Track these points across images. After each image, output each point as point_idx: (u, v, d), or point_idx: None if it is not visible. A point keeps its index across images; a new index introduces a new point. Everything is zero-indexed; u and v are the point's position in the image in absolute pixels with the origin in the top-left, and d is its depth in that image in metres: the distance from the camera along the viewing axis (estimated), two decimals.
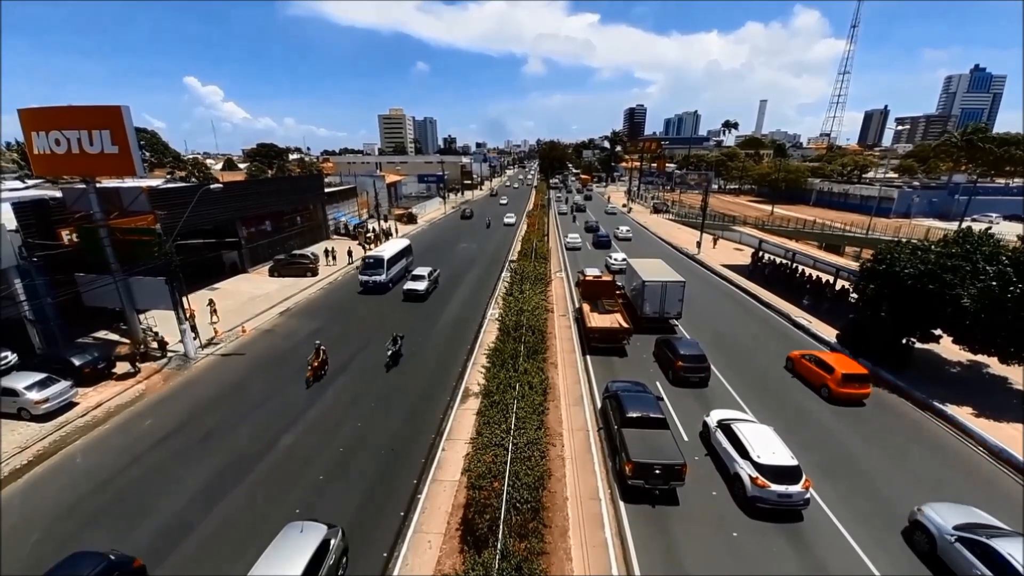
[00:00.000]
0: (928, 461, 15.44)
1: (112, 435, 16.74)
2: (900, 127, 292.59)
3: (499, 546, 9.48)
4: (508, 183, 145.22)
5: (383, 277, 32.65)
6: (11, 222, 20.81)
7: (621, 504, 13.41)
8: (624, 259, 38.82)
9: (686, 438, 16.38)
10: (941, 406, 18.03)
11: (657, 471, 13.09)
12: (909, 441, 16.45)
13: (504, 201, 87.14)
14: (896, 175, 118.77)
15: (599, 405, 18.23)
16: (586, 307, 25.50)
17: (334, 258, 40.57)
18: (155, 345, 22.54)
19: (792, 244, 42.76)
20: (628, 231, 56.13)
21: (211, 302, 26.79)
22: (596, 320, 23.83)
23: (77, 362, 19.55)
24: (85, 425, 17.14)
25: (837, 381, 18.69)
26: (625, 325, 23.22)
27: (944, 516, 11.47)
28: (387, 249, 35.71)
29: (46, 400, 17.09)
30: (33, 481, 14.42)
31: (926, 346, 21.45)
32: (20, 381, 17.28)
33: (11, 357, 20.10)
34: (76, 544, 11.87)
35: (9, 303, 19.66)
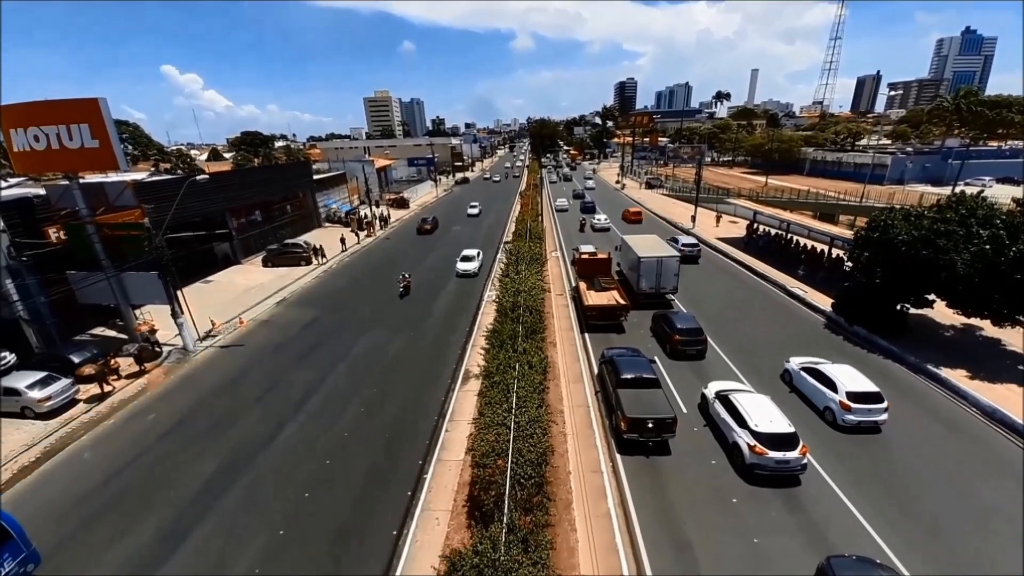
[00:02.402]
0: (918, 419, 15.82)
1: (117, 430, 16.85)
2: (893, 92, 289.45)
3: (505, 520, 9.69)
4: (488, 175, 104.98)
5: None
6: None
7: (618, 457, 14.35)
8: (606, 219, 48.29)
9: (685, 410, 16.66)
10: (935, 370, 18.35)
11: (650, 425, 14.18)
12: (901, 402, 16.80)
13: (474, 209, 56.47)
14: (889, 141, 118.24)
15: (596, 371, 18.96)
16: (583, 285, 25.35)
17: (324, 255, 37.43)
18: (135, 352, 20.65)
19: (786, 215, 42.75)
20: (593, 183, 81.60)
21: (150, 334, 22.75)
22: (593, 298, 23.77)
23: (76, 359, 19.52)
24: (90, 421, 17.21)
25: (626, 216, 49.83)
26: (622, 302, 23.24)
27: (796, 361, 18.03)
28: None
29: (48, 398, 17.13)
30: (43, 477, 14.56)
31: (920, 311, 21.70)
32: (21, 380, 17.29)
33: (10, 357, 20.01)
34: (91, 532, 12.10)
35: (2, 303, 19.49)
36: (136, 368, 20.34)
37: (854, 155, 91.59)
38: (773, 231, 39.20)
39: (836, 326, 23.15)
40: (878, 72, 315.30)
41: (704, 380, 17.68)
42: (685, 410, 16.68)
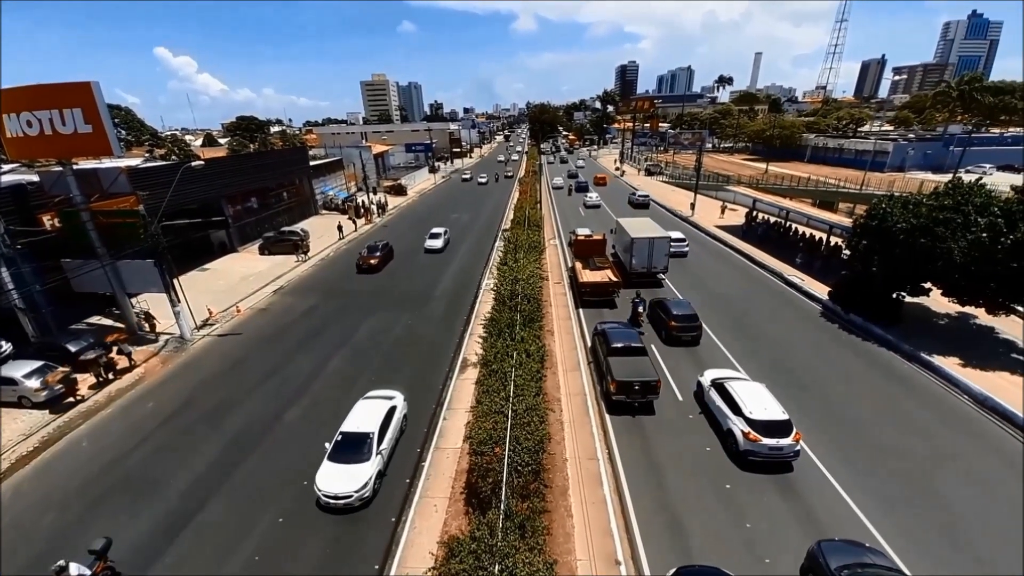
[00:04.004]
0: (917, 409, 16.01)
1: (115, 419, 16.93)
2: (897, 77, 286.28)
3: (502, 507, 9.84)
4: (468, 175, 78.15)
5: None
6: None
7: (607, 417, 15.88)
8: (597, 197, 53.66)
9: (681, 398, 16.82)
10: (928, 357, 18.49)
11: (636, 387, 15.66)
12: (895, 389, 16.98)
13: (437, 240, 36.64)
14: (892, 127, 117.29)
15: (589, 344, 20.26)
16: (578, 265, 26.96)
17: (305, 252, 35.27)
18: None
19: (786, 202, 42.57)
20: (582, 163, 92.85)
21: (148, 316, 22.96)
22: (587, 276, 25.43)
23: (72, 348, 19.50)
24: (87, 410, 17.28)
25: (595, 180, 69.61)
26: (614, 279, 24.89)
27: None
28: None
29: (45, 387, 17.14)
30: (42, 466, 14.67)
31: (916, 299, 21.77)
32: (18, 370, 17.28)
33: (6, 347, 20.03)
34: (90, 521, 12.22)
35: None
36: (104, 377, 18.67)
37: (855, 142, 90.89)
38: (772, 219, 39.09)
39: (832, 314, 23.24)
40: (883, 56, 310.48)
41: (700, 367, 17.82)
42: (681, 398, 16.84)
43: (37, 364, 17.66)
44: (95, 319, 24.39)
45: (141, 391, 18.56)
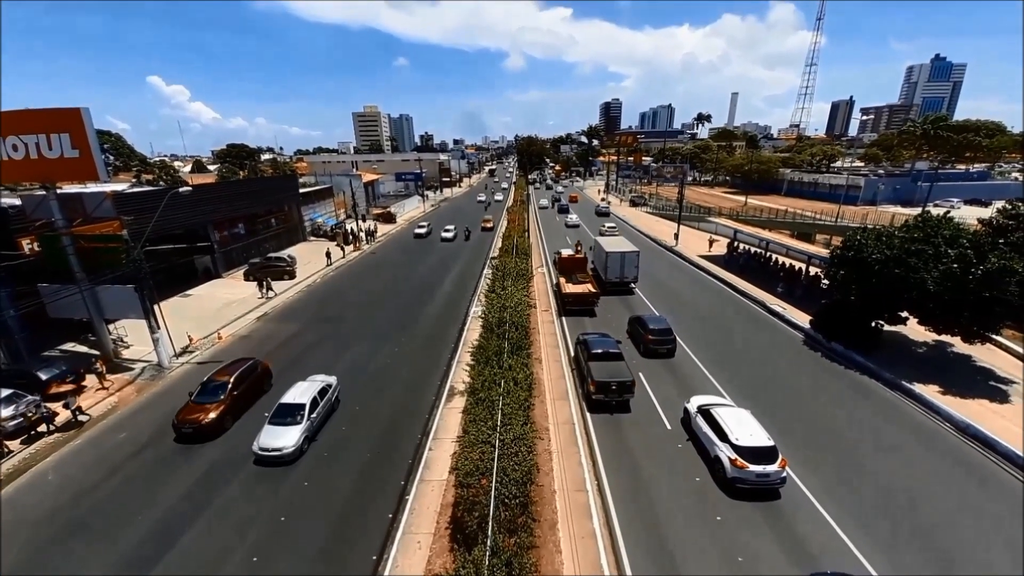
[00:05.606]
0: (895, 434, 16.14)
1: (85, 450, 16.17)
2: (865, 117, 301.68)
3: (489, 543, 9.53)
4: (425, 227, 54.15)
5: None
6: None
7: (588, 416, 17.36)
8: (576, 219, 60.10)
9: (669, 426, 16.74)
10: (909, 385, 18.79)
11: (614, 387, 17.38)
12: (877, 417, 17.14)
13: (285, 440, 14.76)
14: (862, 164, 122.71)
15: (572, 353, 22.06)
16: (562, 280, 29.97)
17: (269, 287, 32.44)
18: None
19: (765, 233, 43.83)
20: (563, 190, 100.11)
21: (100, 368, 20.01)
22: (570, 288, 28.53)
23: (44, 376, 18.79)
24: (56, 441, 16.50)
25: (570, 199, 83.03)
26: (594, 290, 28.26)
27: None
28: None
29: (13, 417, 16.36)
30: (6, 499, 13.83)
31: (894, 328, 22.29)
32: None
33: None
34: (53, 556, 11.48)
35: None
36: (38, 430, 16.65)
37: (829, 177, 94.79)
38: (753, 249, 40.08)
39: (815, 342, 23.62)
40: (851, 97, 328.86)
41: (687, 393, 17.81)
42: (669, 427, 16.75)
43: (5, 392, 16.94)
44: (69, 345, 23.60)
45: (113, 421, 17.82)
